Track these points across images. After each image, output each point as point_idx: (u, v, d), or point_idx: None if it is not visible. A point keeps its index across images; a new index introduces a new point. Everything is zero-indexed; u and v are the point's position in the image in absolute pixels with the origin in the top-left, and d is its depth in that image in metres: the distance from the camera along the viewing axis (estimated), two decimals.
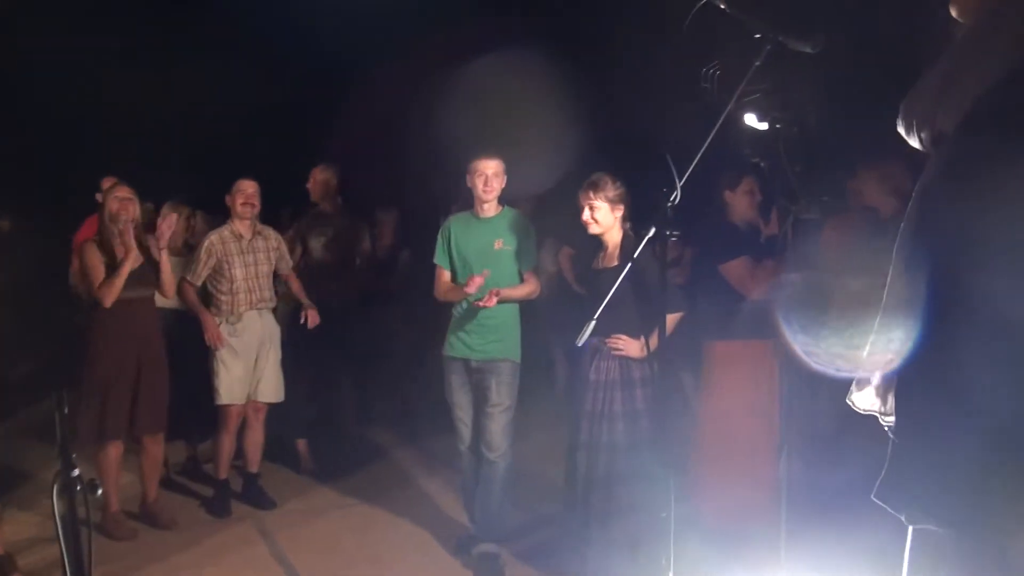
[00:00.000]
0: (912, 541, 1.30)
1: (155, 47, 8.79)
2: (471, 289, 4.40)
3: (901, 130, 1.40)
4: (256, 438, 5.58)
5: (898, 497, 1.19)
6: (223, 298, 5.36)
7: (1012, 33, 1.25)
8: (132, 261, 4.83)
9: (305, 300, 5.65)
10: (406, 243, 7.13)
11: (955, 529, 1.14)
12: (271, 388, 5.53)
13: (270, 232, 5.60)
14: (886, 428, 1.33)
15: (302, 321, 5.59)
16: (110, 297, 4.79)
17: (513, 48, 7.33)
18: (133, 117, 8.38)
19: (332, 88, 8.93)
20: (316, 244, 6.18)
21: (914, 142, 1.39)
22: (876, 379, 1.35)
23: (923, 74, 1.36)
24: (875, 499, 1.24)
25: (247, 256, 5.41)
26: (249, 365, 5.42)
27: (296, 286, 5.71)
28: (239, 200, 5.40)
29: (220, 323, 5.35)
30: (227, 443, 5.45)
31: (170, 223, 5.06)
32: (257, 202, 5.43)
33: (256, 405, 5.52)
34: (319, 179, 6.27)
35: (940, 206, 1.32)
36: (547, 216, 5.92)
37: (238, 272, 5.36)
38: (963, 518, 1.11)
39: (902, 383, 1.28)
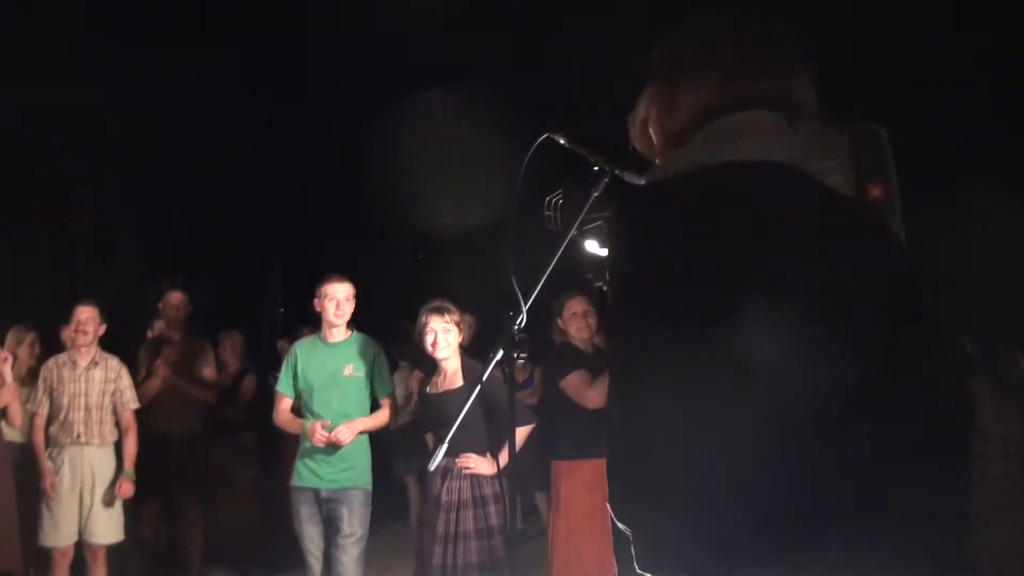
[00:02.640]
0: None
1: None
2: (316, 441, 4.31)
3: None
4: None
5: (648, 562, 1.30)
6: (49, 429, 5.04)
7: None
8: None
9: (126, 464, 5.13)
10: (251, 367, 6.92)
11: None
12: (103, 528, 5.09)
13: (113, 363, 5.23)
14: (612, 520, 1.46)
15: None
16: None
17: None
18: None
19: None
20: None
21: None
22: None
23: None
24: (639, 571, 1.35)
25: (77, 385, 5.07)
26: (73, 505, 5.00)
27: (129, 443, 5.15)
28: (71, 327, 5.12)
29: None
30: None
31: (4, 355, 4.90)
32: (91, 329, 5.10)
33: (91, 548, 5.07)
34: (172, 303, 6.04)
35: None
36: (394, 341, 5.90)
37: (64, 401, 5.04)
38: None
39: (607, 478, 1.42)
